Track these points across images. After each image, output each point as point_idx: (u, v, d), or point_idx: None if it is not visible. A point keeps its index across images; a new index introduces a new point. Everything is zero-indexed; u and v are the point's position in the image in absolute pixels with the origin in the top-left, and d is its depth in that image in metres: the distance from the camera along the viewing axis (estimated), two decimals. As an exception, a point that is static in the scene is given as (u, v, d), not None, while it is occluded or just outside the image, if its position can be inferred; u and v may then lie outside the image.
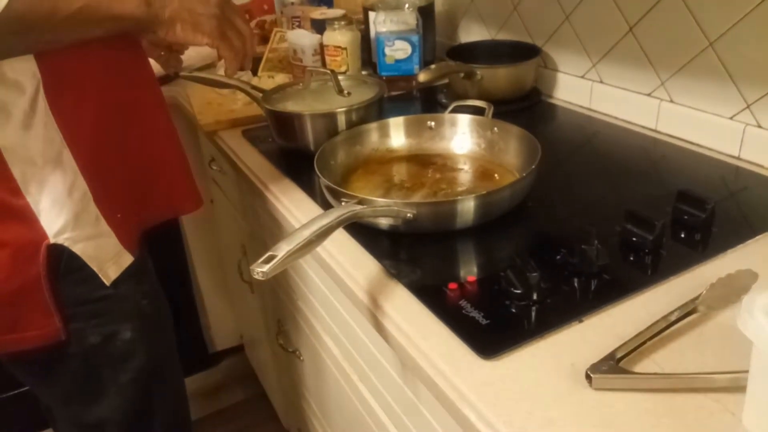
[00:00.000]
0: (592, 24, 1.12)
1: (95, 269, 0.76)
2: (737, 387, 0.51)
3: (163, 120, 0.86)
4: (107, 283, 0.78)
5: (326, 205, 0.85)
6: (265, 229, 1.13)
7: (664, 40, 1.00)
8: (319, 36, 1.33)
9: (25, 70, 0.67)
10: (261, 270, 0.61)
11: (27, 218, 0.71)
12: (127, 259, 0.80)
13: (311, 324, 1.04)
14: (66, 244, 0.73)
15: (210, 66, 1.51)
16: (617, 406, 0.51)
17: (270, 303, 1.30)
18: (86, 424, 0.85)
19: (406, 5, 1.32)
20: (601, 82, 1.13)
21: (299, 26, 1.52)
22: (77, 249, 0.75)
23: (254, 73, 1.42)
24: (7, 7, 0.59)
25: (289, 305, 1.14)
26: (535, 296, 0.64)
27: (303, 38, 1.32)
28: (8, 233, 0.71)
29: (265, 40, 1.60)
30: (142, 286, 0.84)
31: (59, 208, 0.72)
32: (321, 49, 1.32)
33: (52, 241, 0.72)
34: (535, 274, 0.63)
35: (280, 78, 1.31)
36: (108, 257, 0.78)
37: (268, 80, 1.31)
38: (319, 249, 0.77)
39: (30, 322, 0.75)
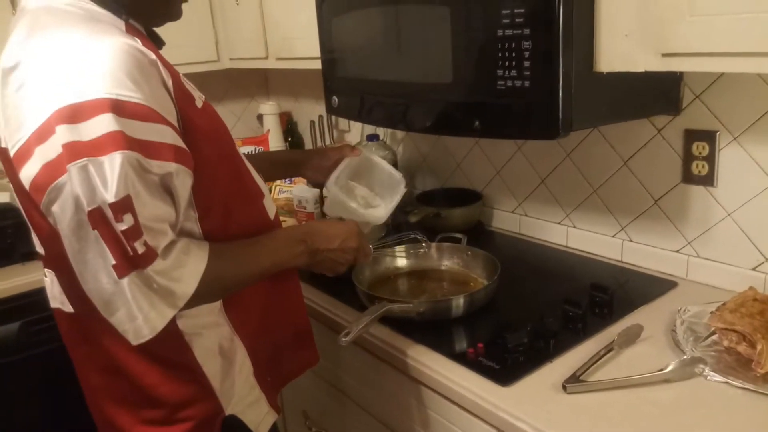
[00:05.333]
0: (516, 176, 1.65)
1: (252, 429, 1.00)
2: (636, 385, 0.95)
3: (299, 293, 1.11)
4: None
5: (360, 307, 1.25)
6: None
7: (565, 186, 1.53)
8: (317, 190, 1.77)
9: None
10: (345, 339, 1.03)
11: (209, 397, 0.94)
12: (273, 416, 1.05)
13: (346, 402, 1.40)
14: (234, 412, 0.97)
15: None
16: (582, 400, 0.94)
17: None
18: None
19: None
20: (526, 215, 1.65)
21: (291, 181, 1.97)
22: (241, 415, 0.98)
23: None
24: (196, 291, 0.81)
25: (320, 394, 1.49)
26: (522, 350, 1.07)
27: (305, 192, 1.76)
28: (195, 410, 0.93)
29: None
30: None
31: (230, 385, 0.96)
32: (321, 199, 1.76)
33: (227, 413, 0.96)
34: (525, 339, 1.08)
35: (291, 221, 1.73)
36: (260, 418, 1.02)
37: (282, 223, 1.71)
38: (371, 339, 1.18)
39: None
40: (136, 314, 0.77)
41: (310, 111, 2.35)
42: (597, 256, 1.49)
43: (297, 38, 1.73)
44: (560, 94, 1.00)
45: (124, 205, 0.73)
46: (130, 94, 0.74)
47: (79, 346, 0.97)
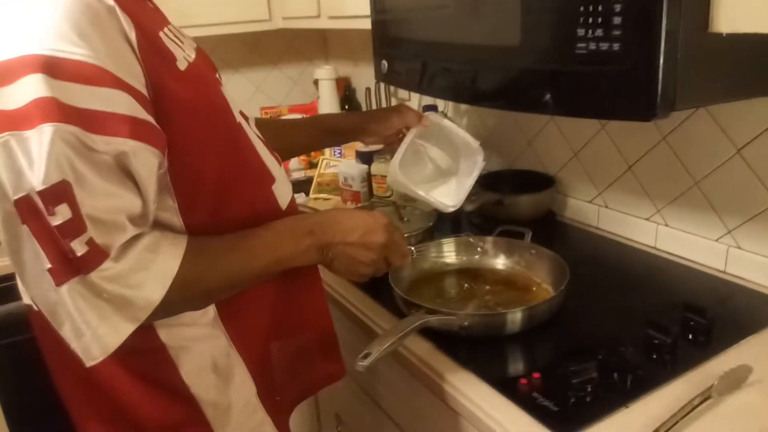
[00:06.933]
0: (598, 160, 1.39)
1: None
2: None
3: (319, 292, 0.94)
4: None
5: (398, 312, 1.06)
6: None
7: (658, 175, 1.27)
8: (365, 166, 1.58)
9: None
10: (362, 364, 0.83)
11: (199, 422, 0.79)
12: None
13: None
14: None
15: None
16: (665, 469, 0.71)
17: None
18: None
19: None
20: (607, 207, 1.40)
21: (341, 154, 1.78)
22: None
23: (306, 194, 1.67)
24: (165, 299, 0.65)
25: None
26: (589, 388, 0.85)
27: (352, 168, 1.57)
28: None
29: (310, 163, 1.86)
30: None
31: (226, 408, 0.81)
32: (368, 177, 1.57)
33: None
34: (594, 374, 0.85)
35: (336, 200, 1.55)
36: None
37: (324, 202, 1.54)
38: (407, 354, 0.99)
39: None
40: (82, 330, 0.62)
41: (370, 77, 2.14)
42: (693, 263, 1.22)
43: (349, -7, 1.53)
44: (661, 62, 0.74)
45: (57, 194, 0.58)
46: (72, 49, 0.58)
47: (52, 351, 0.83)
